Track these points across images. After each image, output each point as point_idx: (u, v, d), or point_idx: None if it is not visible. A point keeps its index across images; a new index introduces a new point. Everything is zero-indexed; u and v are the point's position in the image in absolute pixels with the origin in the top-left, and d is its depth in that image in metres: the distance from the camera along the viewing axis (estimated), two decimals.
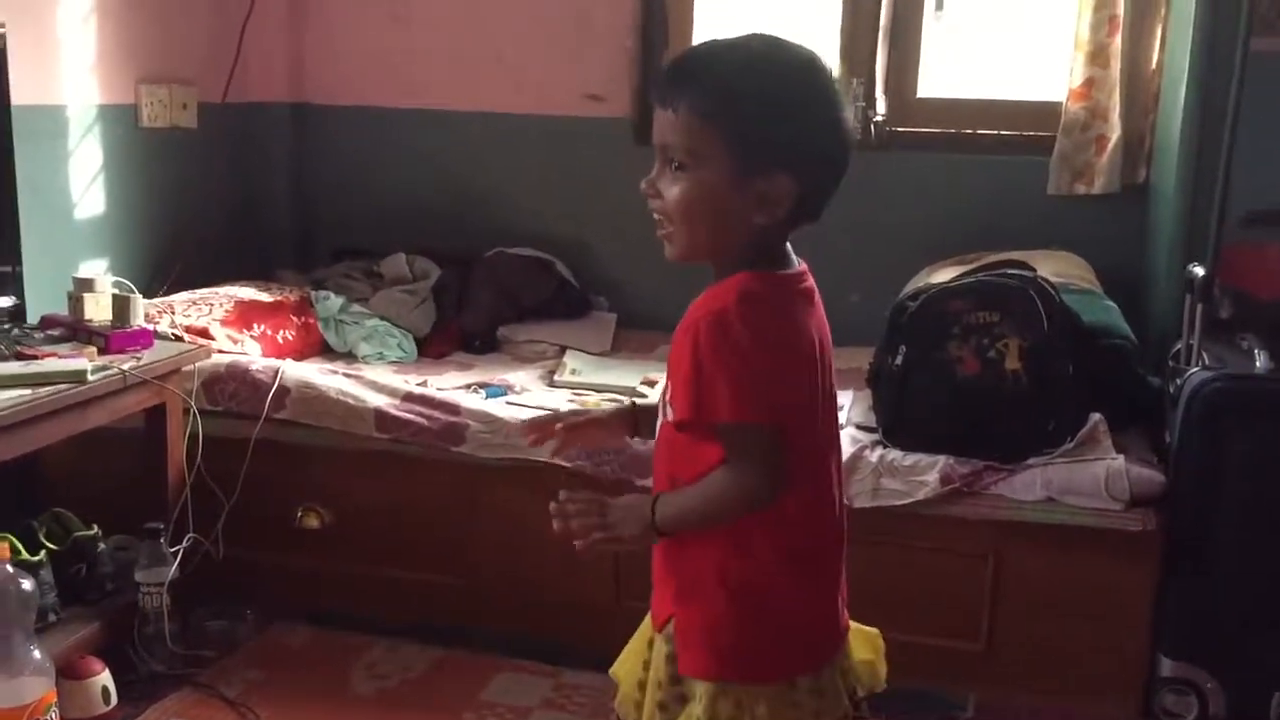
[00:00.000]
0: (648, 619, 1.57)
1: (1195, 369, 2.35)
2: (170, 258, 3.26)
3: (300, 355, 3.03)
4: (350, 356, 3.11)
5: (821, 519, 1.46)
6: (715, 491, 1.37)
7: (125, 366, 2.29)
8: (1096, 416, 2.43)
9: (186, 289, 3.11)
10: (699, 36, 3.46)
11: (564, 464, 2.52)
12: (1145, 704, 2.37)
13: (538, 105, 3.52)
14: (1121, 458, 2.34)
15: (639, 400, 1.65)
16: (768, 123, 1.32)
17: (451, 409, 2.63)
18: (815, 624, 1.48)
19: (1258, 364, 2.34)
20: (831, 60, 3.33)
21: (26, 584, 1.98)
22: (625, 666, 1.61)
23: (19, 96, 2.50)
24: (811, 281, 1.44)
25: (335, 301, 3.23)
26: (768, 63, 1.35)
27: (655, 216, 1.40)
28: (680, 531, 1.42)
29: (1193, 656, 2.32)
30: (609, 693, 2.39)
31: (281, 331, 3.04)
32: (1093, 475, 2.31)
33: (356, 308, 3.26)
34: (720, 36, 1.39)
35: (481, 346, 3.29)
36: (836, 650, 1.50)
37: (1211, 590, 2.29)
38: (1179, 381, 2.37)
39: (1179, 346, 2.52)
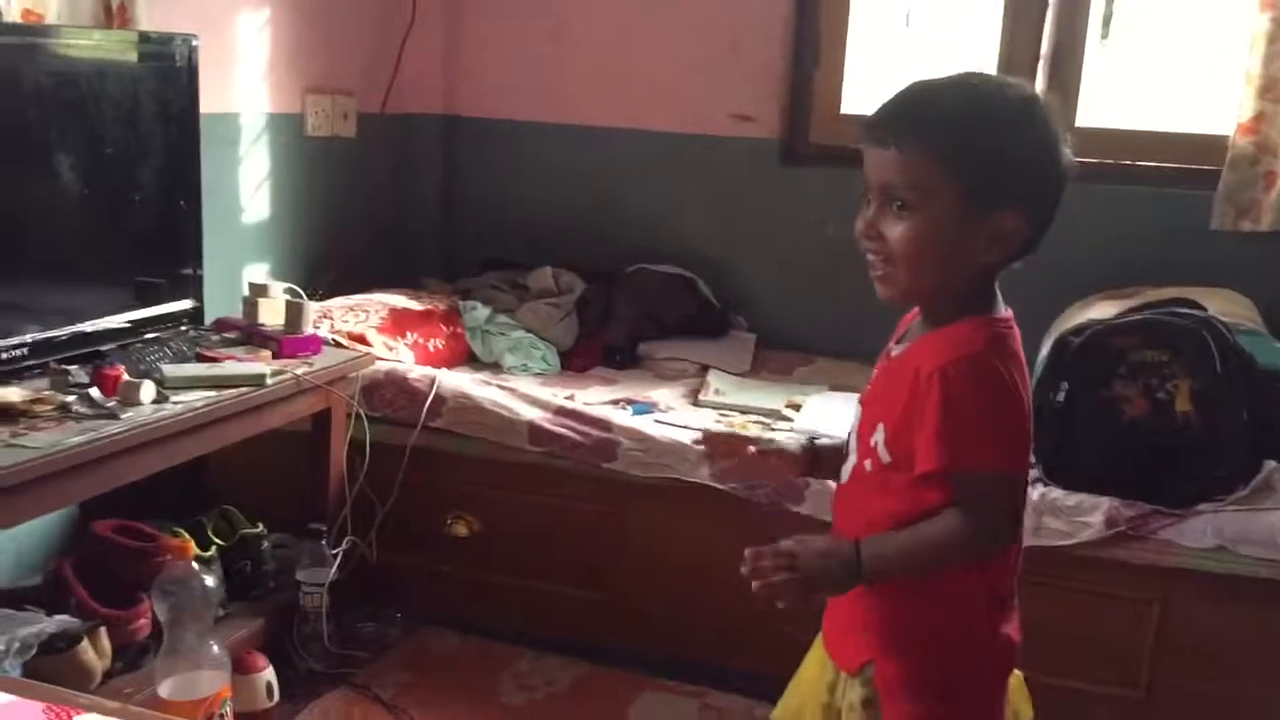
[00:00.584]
0: (817, 661, 1.56)
1: None
2: (325, 263, 3.35)
3: (448, 364, 3.09)
4: (495, 366, 3.16)
5: (1018, 560, 1.44)
6: (942, 538, 1.35)
7: (299, 371, 2.36)
8: (1273, 464, 2.35)
9: (340, 294, 3.19)
10: (850, 58, 3.45)
11: (717, 485, 2.52)
12: None
13: (686, 124, 3.53)
14: None
15: (820, 441, 1.63)
16: (999, 160, 1.31)
17: (603, 425, 2.65)
18: (1007, 665, 1.46)
19: None
20: None
21: (209, 580, 2.05)
22: (797, 711, 1.58)
23: (205, 105, 2.58)
24: None
25: (482, 312, 3.28)
26: (995, 99, 1.34)
27: (870, 258, 1.38)
28: (888, 578, 1.40)
29: None
30: (753, 716, 2.42)
31: (433, 340, 3.10)
32: (1268, 525, 2.24)
33: (503, 318, 3.31)
34: (927, 78, 1.39)
35: (623, 362, 3.31)
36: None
37: None
38: None
39: None
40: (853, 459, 1.47)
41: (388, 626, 2.65)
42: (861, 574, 1.37)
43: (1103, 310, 2.71)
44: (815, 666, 1.56)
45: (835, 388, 3.11)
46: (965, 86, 1.37)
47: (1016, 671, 1.51)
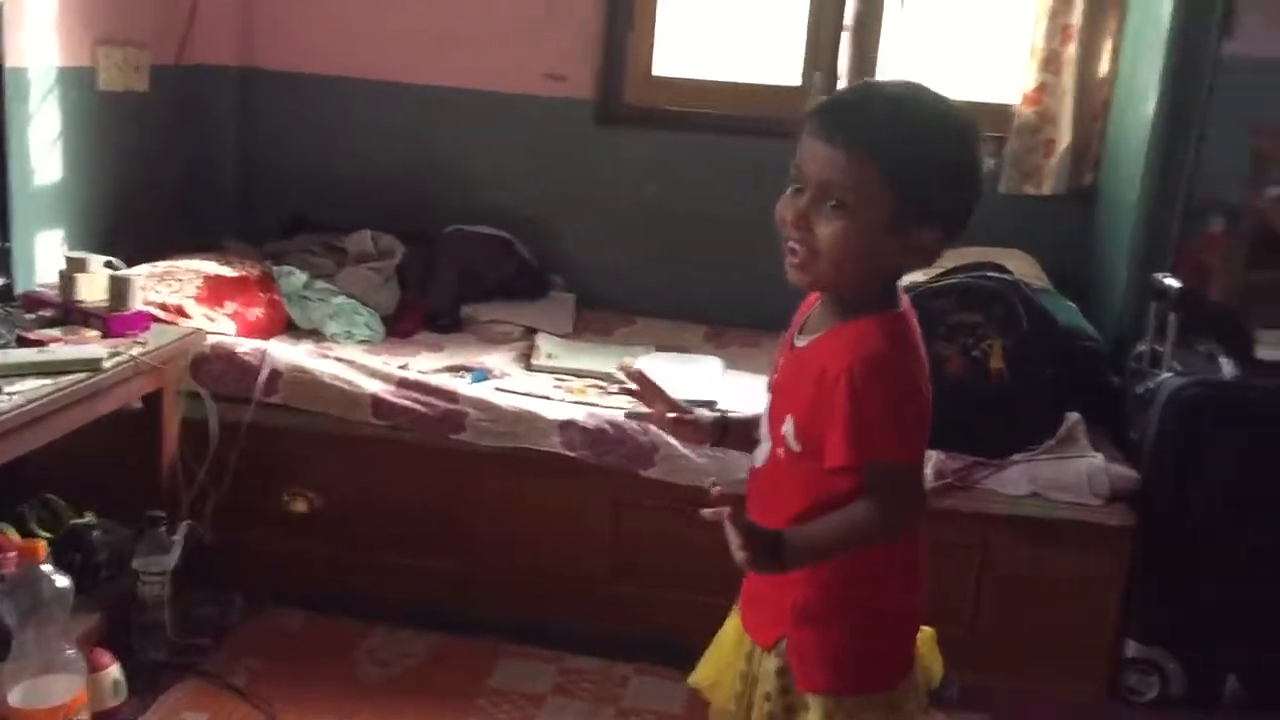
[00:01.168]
0: (736, 629, 1.63)
1: (1167, 374, 2.53)
2: (123, 226, 3.14)
3: (268, 333, 2.97)
4: (315, 334, 3.06)
5: (920, 529, 1.55)
6: (856, 529, 1.42)
7: (134, 353, 2.23)
8: (1075, 416, 2.58)
9: (141, 262, 3.00)
10: (662, 21, 3.49)
11: (568, 453, 2.55)
12: (1112, 683, 2.55)
13: (501, 82, 3.49)
14: (1100, 456, 2.50)
15: (730, 414, 1.69)
16: (935, 180, 1.38)
17: (449, 396, 2.63)
18: (914, 629, 1.57)
19: (1224, 371, 2.53)
20: (796, 51, 3.43)
21: (62, 582, 1.93)
22: (715, 678, 1.65)
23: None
24: None
25: (300, 277, 3.17)
26: (941, 121, 1.40)
27: (792, 245, 1.42)
28: (805, 565, 1.45)
29: (1157, 640, 2.52)
30: (613, 679, 2.50)
31: (252, 309, 2.97)
32: (1076, 472, 2.47)
33: (321, 284, 3.20)
34: (877, 80, 1.44)
35: (446, 325, 3.28)
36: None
37: (1178, 579, 2.48)
38: (1150, 385, 2.55)
39: (1142, 349, 2.69)
40: (766, 444, 1.53)
41: (229, 610, 2.56)
42: (784, 564, 1.42)
43: (914, 275, 2.87)
44: (734, 634, 1.63)
45: (661, 348, 3.18)
46: (915, 102, 1.41)
47: (926, 629, 1.62)
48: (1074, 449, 2.53)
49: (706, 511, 1.37)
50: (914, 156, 1.36)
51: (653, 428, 2.53)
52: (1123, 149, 3.09)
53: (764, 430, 1.55)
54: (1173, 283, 2.59)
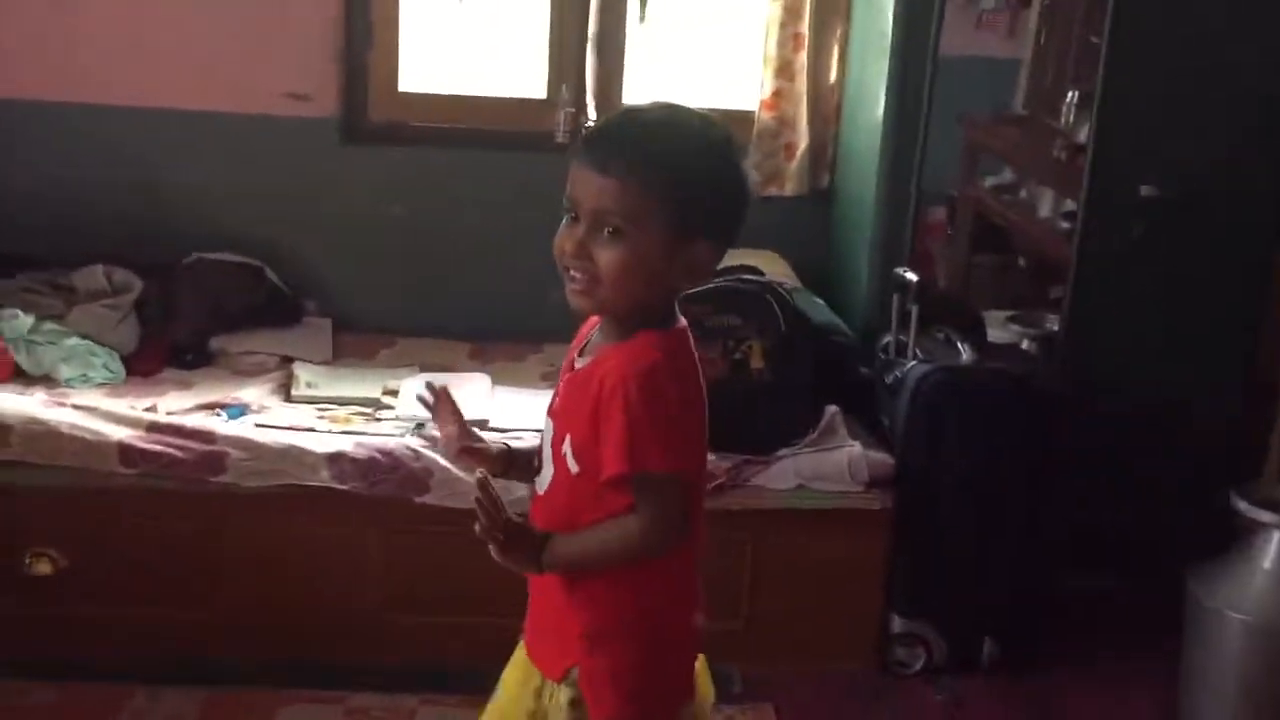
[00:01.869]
0: (521, 667, 1.62)
1: (912, 362, 2.68)
2: None
3: None
4: (48, 381, 2.85)
5: (698, 552, 1.58)
6: (619, 540, 1.45)
7: None
8: (833, 409, 2.71)
9: None
10: (405, 35, 3.43)
11: (338, 485, 2.48)
12: (881, 658, 2.69)
13: (234, 103, 3.34)
14: (858, 444, 2.63)
15: (515, 444, 1.68)
16: (704, 199, 1.42)
17: (206, 437, 2.51)
18: (695, 652, 1.61)
19: (963, 356, 2.71)
20: (541, 64, 3.45)
21: None
22: (501, 717, 1.64)
23: None
24: None
25: (25, 320, 2.93)
26: (703, 140, 1.45)
27: (573, 274, 1.44)
28: (564, 572, 1.49)
29: (919, 613, 2.67)
30: (402, 713, 2.45)
31: None
32: (837, 462, 2.59)
33: (50, 325, 2.97)
34: (638, 104, 1.47)
35: (194, 361, 3.11)
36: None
37: (933, 555, 2.64)
38: (898, 374, 2.69)
39: (888, 340, 2.85)
40: (548, 470, 1.53)
41: None
42: (541, 563, 1.46)
43: None
44: (518, 673, 1.62)
45: (425, 368, 3.12)
46: (676, 125, 1.46)
47: (700, 656, 1.65)
48: (834, 440, 2.65)
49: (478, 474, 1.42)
50: (681, 178, 1.40)
51: (429, 452, 2.51)
52: (856, 149, 3.26)
53: (545, 455, 1.55)
54: (911, 276, 2.75)
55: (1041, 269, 3.42)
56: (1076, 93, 3.10)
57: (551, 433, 1.54)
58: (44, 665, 2.46)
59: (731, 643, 2.66)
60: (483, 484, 1.42)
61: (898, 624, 2.67)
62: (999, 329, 3.19)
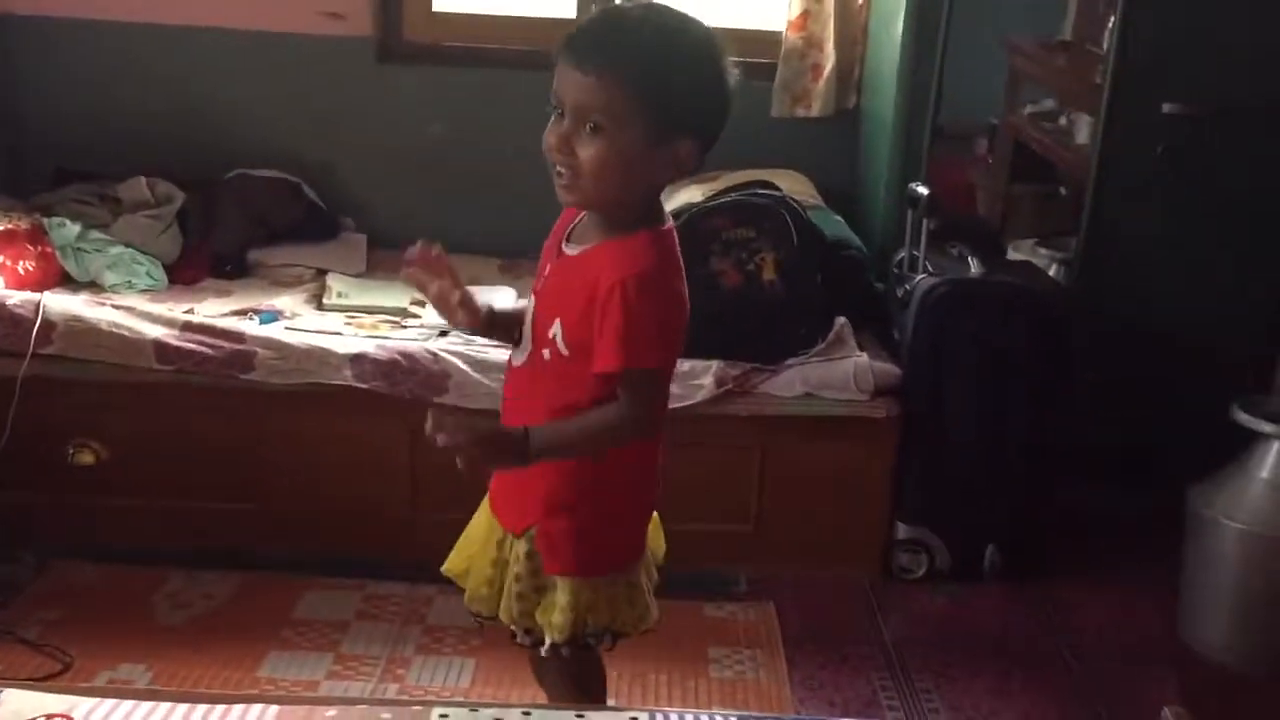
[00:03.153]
0: (487, 519, 1.73)
1: (922, 276, 2.72)
2: None
3: (41, 287, 2.87)
4: (94, 287, 2.98)
5: (661, 434, 1.66)
6: (605, 429, 1.53)
7: None
8: (842, 320, 2.76)
9: None
10: None
11: (360, 385, 2.59)
12: (885, 564, 2.76)
13: (273, 22, 3.43)
14: (864, 355, 2.68)
15: (497, 307, 1.76)
16: (684, 96, 1.46)
17: (236, 337, 2.62)
18: (647, 518, 1.72)
19: (972, 269, 2.74)
20: None
21: None
22: (465, 565, 1.75)
23: None
24: None
25: (72, 228, 3.07)
26: (683, 38, 1.49)
27: (559, 169, 1.50)
28: (551, 459, 1.56)
29: (923, 520, 2.73)
30: (418, 600, 2.56)
31: (22, 262, 2.87)
32: (843, 371, 2.64)
33: (96, 234, 3.11)
34: (620, 4, 1.52)
35: (233, 271, 3.23)
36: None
37: (938, 463, 2.69)
38: (908, 287, 2.74)
39: (902, 255, 2.89)
40: (528, 346, 1.62)
41: (19, 568, 2.51)
42: (528, 459, 1.53)
43: (691, 195, 3.00)
44: (484, 524, 1.73)
45: None
46: (657, 23, 1.49)
47: (654, 513, 1.75)
48: (841, 350, 2.70)
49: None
50: (659, 74, 1.45)
51: (448, 355, 2.61)
52: (879, 70, 3.27)
53: (526, 332, 1.63)
54: (922, 190, 2.77)
55: (1080, 198, 3.42)
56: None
57: (534, 312, 1.61)
58: (88, 549, 2.62)
59: (739, 545, 2.76)
60: (438, 414, 1.44)
61: (902, 530, 2.74)
62: (1028, 254, 3.21)
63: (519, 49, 3.50)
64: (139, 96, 3.43)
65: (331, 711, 1.34)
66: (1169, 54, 2.88)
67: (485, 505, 1.74)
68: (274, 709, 1.32)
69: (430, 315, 2.91)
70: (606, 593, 1.64)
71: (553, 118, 1.50)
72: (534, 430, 1.53)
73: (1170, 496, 2.58)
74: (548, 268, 1.63)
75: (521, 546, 1.64)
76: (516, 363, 1.65)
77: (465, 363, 2.61)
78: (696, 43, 1.50)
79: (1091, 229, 2.93)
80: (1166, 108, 2.88)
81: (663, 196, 3.05)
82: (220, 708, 1.32)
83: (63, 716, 1.26)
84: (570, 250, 1.59)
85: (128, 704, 1.30)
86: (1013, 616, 2.68)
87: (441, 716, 1.34)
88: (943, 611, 2.68)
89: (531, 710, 1.39)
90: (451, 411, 1.58)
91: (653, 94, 1.44)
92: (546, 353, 1.58)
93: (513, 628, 1.69)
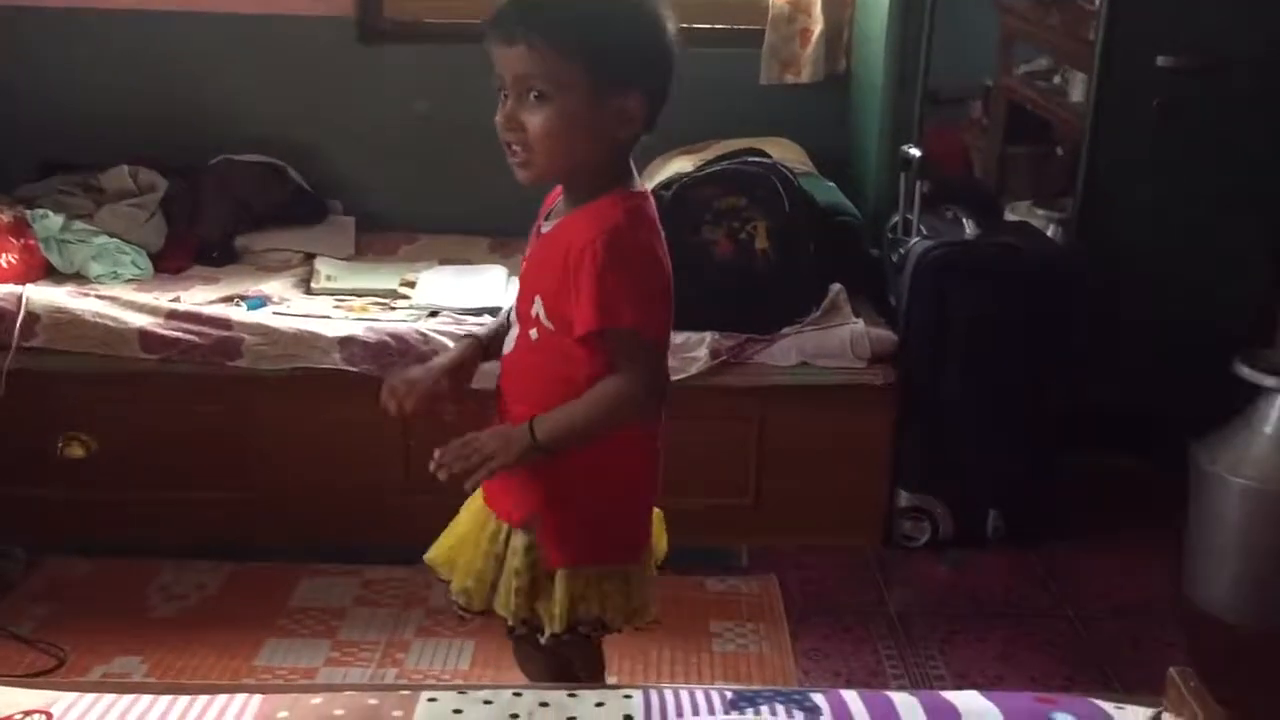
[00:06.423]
0: (476, 510, 1.68)
1: (916, 239, 2.68)
2: None
3: (24, 279, 2.84)
4: (80, 278, 2.95)
5: (659, 430, 1.63)
6: (611, 402, 1.49)
7: None
8: (836, 287, 2.72)
9: None
10: None
11: (349, 368, 2.56)
12: (888, 532, 2.73)
13: (253, 4, 3.38)
14: (860, 321, 2.65)
15: (477, 330, 1.73)
16: (619, 50, 1.43)
17: (222, 324, 2.59)
18: (647, 516, 1.68)
19: (966, 232, 2.70)
20: None
21: None
22: (451, 557, 1.70)
23: None
24: None
25: (55, 220, 3.03)
26: None
27: (512, 146, 1.47)
28: (561, 446, 1.51)
29: (925, 488, 2.70)
30: (418, 584, 2.53)
31: (5, 255, 2.84)
32: (839, 339, 2.61)
33: (80, 225, 3.07)
34: None
35: (220, 258, 3.20)
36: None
37: (938, 429, 2.66)
38: (902, 251, 2.69)
39: (896, 219, 2.84)
40: (516, 329, 1.59)
41: (10, 562, 2.48)
42: (539, 450, 1.49)
43: (682, 164, 2.96)
44: (474, 515, 1.68)
45: (445, 261, 3.18)
46: None
47: (658, 510, 1.71)
48: (837, 318, 2.67)
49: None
50: (588, 29, 1.42)
51: (438, 336, 2.57)
52: (868, 33, 3.21)
53: (513, 316, 1.60)
54: (915, 152, 2.73)
55: (1077, 156, 3.37)
56: None
57: (519, 294, 1.59)
58: (79, 542, 2.59)
59: (739, 518, 2.73)
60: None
61: (904, 498, 2.71)
62: (1025, 215, 3.17)
63: None
64: (120, 84, 3.38)
65: (318, 699, 1.30)
66: (1162, 7, 2.83)
67: (475, 496, 1.69)
68: (257, 699, 1.29)
69: (420, 296, 2.88)
70: (597, 585, 1.60)
71: (500, 102, 1.47)
72: (536, 420, 1.50)
73: (1173, 455, 2.54)
74: (529, 250, 1.60)
75: (520, 539, 1.60)
76: (507, 349, 1.62)
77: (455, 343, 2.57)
78: None
79: (1088, 187, 2.89)
80: (1161, 61, 2.83)
81: (653, 168, 3.06)
82: (204, 699, 1.29)
83: (41, 713, 1.23)
84: (546, 228, 1.57)
85: (108, 698, 1.27)
86: (1017, 581, 2.65)
87: (430, 700, 1.31)
88: (946, 578, 2.65)
89: (523, 691, 1.36)
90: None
91: (586, 50, 1.42)
92: (534, 332, 1.55)
93: (510, 620, 1.64)
